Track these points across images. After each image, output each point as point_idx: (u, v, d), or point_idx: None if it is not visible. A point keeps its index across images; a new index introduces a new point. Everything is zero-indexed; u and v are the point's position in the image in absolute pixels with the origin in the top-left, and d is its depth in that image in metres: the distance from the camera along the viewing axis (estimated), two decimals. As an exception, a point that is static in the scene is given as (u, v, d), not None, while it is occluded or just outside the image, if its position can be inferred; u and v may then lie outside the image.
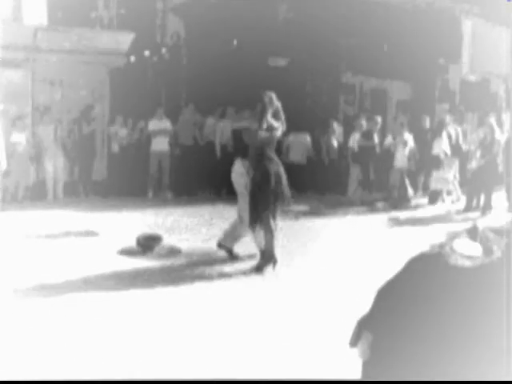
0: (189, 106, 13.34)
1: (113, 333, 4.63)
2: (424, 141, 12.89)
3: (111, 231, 8.55)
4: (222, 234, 7.28)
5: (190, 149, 12.93)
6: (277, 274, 6.58)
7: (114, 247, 7.43)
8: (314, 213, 11.00)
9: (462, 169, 12.95)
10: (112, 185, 12.55)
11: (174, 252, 7.37)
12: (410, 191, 12.66)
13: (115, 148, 12.84)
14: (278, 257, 6.71)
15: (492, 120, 12.36)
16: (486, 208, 11.33)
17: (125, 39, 13.21)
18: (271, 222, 6.64)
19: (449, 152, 12.59)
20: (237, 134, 8.72)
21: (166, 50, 14.20)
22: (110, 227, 8.84)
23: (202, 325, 4.89)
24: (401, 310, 1.63)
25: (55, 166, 11.93)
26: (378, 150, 12.69)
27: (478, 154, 11.82)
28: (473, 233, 1.66)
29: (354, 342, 1.77)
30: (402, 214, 11.16)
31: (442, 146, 12.55)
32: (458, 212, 11.58)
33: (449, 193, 12.91)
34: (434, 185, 12.69)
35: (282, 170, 6.78)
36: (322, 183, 13.28)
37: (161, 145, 12.57)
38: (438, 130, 13.05)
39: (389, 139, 12.99)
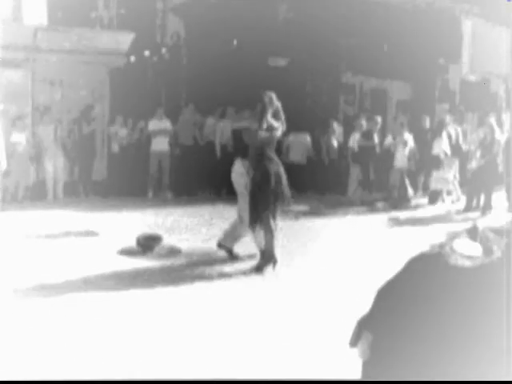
0: (189, 106, 13.35)
1: (113, 333, 4.63)
2: (424, 141, 12.90)
3: (111, 231, 8.55)
4: (222, 233, 7.28)
5: (189, 149, 12.93)
6: (277, 274, 6.58)
7: (114, 247, 7.43)
8: (314, 213, 11.00)
9: (462, 169, 12.95)
10: (112, 185, 12.55)
11: (173, 252, 7.37)
12: (410, 191, 12.66)
13: (115, 148, 12.84)
14: (278, 257, 6.70)
15: (492, 120, 12.36)
16: (486, 208, 11.33)
17: (125, 39, 13.21)
18: (271, 222, 6.64)
19: (449, 152, 12.60)
20: (237, 134, 8.71)
21: (166, 50, 14.20)
22: (110, 227, 8.84)
23: (202, 325, 4.89)
24: (401, 309, 1.63)
25: (55, 166, 11.93)
26: (378, 149, 12.69)
27: (478, 154, 11.82)
28: (473, 233, 1.66)
29: (353, 342, 1.77)
30: (402, 214, 11.16)
31: (442, 146, 12.55)
32: (458, 212, 11.58)
33: (449, 193, 12.91)
34: (434, 185, 12.69)
35: (281, 170, 6.78)
36: (322, 183, 13.28)
37: (161, 145, 12.57)
38: (438, 130, 13.05)
39: (389, 139, 12.99)
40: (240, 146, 7.24)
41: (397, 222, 10.40)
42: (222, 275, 6.47)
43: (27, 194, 11.65)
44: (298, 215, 10.08)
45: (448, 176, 12.61)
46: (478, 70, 16.73)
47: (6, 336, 4.41)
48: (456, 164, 12.92)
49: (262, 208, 6.59)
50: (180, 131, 12.98)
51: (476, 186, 11.74)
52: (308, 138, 13.53)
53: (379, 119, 12.89)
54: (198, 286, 6.01)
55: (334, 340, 4.30)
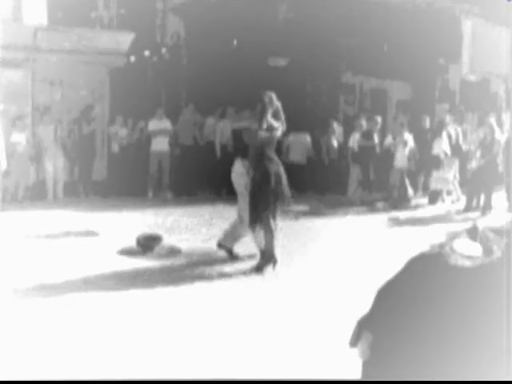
0: (189, 106, 13.35)
1: (113, 333, 4.63)
2: (424, 141, 12.89)
3: (111, 231, 8.55)
4: (222, 233, 7.28)
5: (189, 149, 12.93)
6: (277, 274, 6.58)
7: (114, 247, 7.43)
8: (314, 213, 11.00)
9: (462, 169, 12.95)
10: (112, 185, 12.55)
11: (173, 252, 7.37)
12: (410, 191, 12.66)
13: (115, 148, 12.84)
14: (278, 257, 6.70)
15: (492, 120, 12.36)
16: (486, 208, 11.33)
17: (125, 39, 13.21)
18: (271, 222, 6.64)
19: (449, 152, 12.59)
20: (237, 134, 8.72)
21: (166, 50, 14.20)
22: (110, 227, 8.84)
23: (202, 325, 4.89)
24: (401, 309, 1.63)
25: (55, 166, 11.93)
26: (378, 149, 12.69)
27: (478, 154, 11.82)
28: (473, 233, 1.66)
29: (353, 342, 1.77)
30: (402, 214, 11.16)
31: (442, 146, 12.55)
32: (458, 212, 11.58)
33: (449, 193, 12.91)
34: (434, 185, 12.69)
35: (282, 170, 6.78)
36: (322, 183, 13.28)
37: (161, 145, 12.57)
38: (438, 130, 13.05)
39: (389, 139, 12.99)
40: (240, 146, 7.24)
41: (397, 222, 10.40)
42: (222, 275, 6.47)
43: (27, 194, 11.65)
44: (298, 215, 10.08)
45: (448, 176, 12.61)
46: (478, 70, 16.73)
47: (6, 336, 4.41)
48: (456, 164, 12.92)
49: (262, 208, 6.59)
50: (180, 131, 12.98)
51: (476, 185, 11.74)
52: (308, 138, 13.53)
53: (379, 119, 12.89)
54: (198, 286, 6.01)
55: (334, 340, 4.30)
